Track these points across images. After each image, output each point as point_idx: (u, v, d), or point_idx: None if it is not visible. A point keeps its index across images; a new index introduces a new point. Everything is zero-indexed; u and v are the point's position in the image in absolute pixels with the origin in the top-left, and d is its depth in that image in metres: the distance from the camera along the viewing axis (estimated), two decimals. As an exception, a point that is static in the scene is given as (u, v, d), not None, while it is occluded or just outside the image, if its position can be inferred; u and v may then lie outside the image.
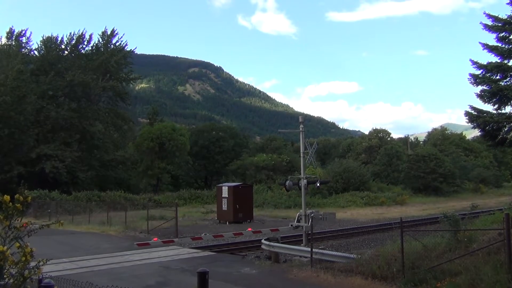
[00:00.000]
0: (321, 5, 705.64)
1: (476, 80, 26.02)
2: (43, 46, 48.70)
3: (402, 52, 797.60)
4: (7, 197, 3.33)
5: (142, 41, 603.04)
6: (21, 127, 39.88)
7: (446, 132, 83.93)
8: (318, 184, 17.27)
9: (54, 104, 44.93)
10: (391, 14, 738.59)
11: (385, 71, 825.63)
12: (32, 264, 3.30)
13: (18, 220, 3.31)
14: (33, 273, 3.26)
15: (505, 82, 26.01)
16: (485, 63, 25.84)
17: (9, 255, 3.11)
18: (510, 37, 25.72)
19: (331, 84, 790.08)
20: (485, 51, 26.14)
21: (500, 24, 25.58)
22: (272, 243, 14.16)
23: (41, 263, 3.30)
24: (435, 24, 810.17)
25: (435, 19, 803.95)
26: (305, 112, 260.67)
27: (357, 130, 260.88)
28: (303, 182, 15.55)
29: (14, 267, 3.18)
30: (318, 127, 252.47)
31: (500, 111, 26.21)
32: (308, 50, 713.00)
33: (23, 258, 3.14)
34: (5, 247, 3.11)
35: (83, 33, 49.64)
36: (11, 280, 3.15)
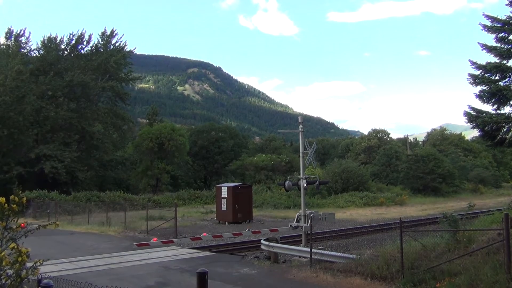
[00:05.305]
0: (323, 6, 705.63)
1: (475, 80, 25.97)
2: (42, 46, 48.64)
3: (404, 53, 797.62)
4: (2, 199, 3.33)
5: (142, 41, 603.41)
6: (20, 127, 39.79)
7: (446, 132, 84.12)
8: (317, 185, 17.23)
9: (53, 104, 44.82)
10: (393, 15, 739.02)
11: (387, 71, 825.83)
12: (29, 264, 3.29)
13: (14, 221, 3.30)
14: (30, 274, 3.26)
15: (504, 82, 25.95)
16: (484, 64, 25.79)
17: (5, 255, 3.10)
18: (509, 38, 25.67)
19: (332, 84, 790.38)
20: (484, 51, 26.11)
21: (499, 25, 25.54)
22: (271, 243, 14.14)
23: (37, 264, 3.30)
24: (437, 24, 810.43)
25: (437, 20, 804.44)
26: (305, 113, 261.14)
27: (356, 130, 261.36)
28: (303, 183, 15.53)
29: (10, 267, 3.17)
30: (318, 127, 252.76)
31: (499, 111, 26.15)
32: (310, 51, 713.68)
33: (19, 259, 3.14)
34: (1, 248, 3.11)
35: (83, 33, 49.54)
36: (8, 281, 3.14)
